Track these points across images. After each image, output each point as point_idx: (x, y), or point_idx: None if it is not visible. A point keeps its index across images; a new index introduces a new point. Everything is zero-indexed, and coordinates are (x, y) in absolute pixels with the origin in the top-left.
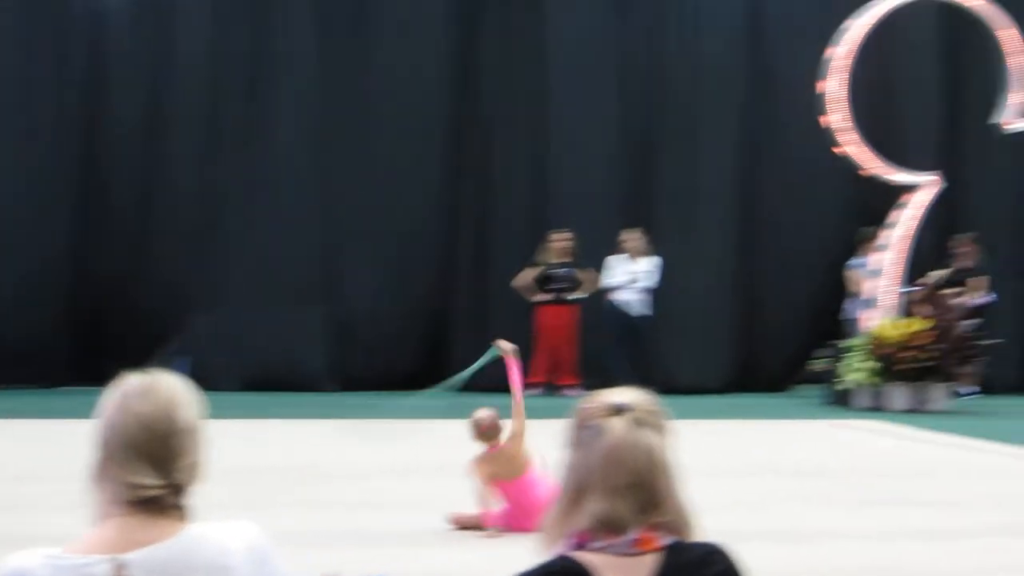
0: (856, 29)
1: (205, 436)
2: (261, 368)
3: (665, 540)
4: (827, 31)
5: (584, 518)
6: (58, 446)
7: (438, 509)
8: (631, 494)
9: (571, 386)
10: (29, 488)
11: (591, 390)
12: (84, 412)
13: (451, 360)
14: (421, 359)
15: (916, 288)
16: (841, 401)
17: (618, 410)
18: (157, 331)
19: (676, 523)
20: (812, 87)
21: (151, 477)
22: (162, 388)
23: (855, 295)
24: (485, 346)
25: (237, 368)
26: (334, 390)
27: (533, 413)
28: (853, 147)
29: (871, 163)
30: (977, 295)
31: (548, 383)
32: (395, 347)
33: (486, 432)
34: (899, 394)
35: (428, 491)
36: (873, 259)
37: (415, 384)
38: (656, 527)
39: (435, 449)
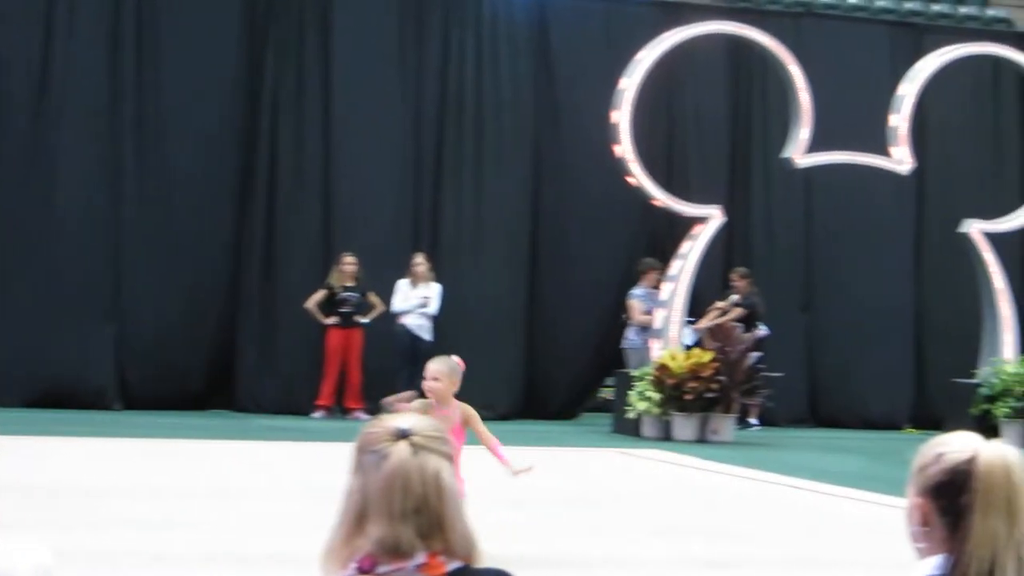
0: (646, 61)
1: None
2: (44, 385)
3: (451, 565)
4: (619, 63)
5: (367, 542)
6: None
7: (224, 531)
8: (414, 519)
9: (357, 409)
10: None
11: (377, 413)
12: None
13: (239, 381)
14: (209, 379)
15: (704, 319)
16: (629, 430)
17: (401, 435)
18: None
19: (462, 549)
20: (604, 118)
21: None
22: None
23: (635, 324)
24: (272, 365)
25: (18, 384)
26: (118, 409)
27: (321, 436)
28: (642, 178)
29: (658, 194)
30: (754, 328)
31: (335, 406)
32: (182, 367)
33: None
34: (685, 424)
35: (211, 511)
36: (660, 289)
37: (202, 404)
38: (441, 552)
39: (215, 468)
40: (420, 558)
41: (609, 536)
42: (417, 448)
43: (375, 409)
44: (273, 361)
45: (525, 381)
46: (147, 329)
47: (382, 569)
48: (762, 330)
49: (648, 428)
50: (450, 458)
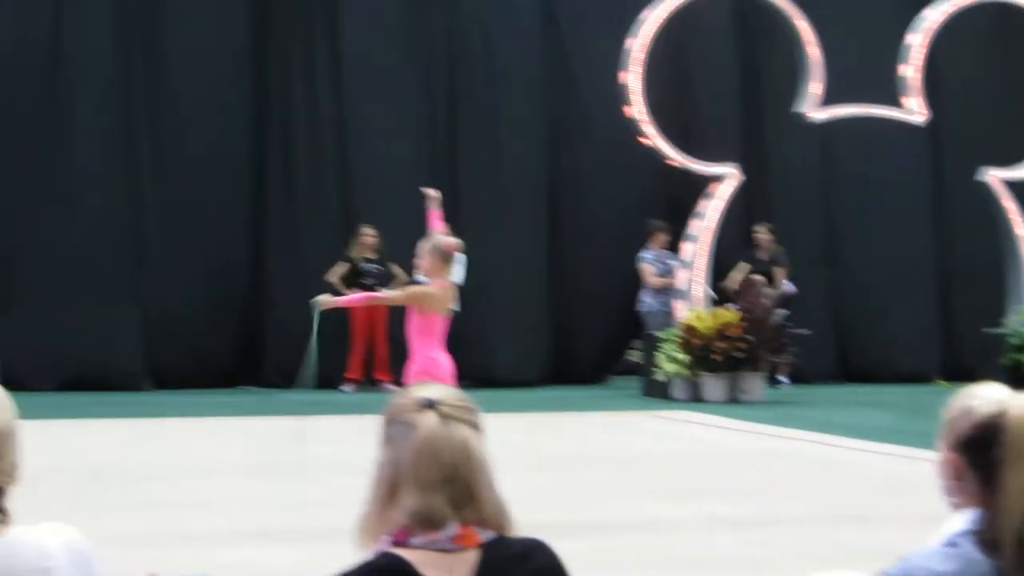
0: (652, 20)
1: (20, 438)
2: (74, 368)
3: (485, 535)
4: (626, 22)
5: (400, 514)
6: None
7: (258, 509)
8: (445, 489)
9: (387, 381)
10: None
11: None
12: None
13: (266, 356)
14: (236, 356)
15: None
16: (658, 392)
17: (429, 405)
18: None
19: (494, 518)
20: (613, 78)
21: None
22: None
23: (649, 287)
24: (299, 341)
25: (50, 368)
26: (148, 388)
27: (351, 409)
28: (655, 138)
29: (674, 154)
30: (780, 285)
31: (365, 379)
32: (209, 344)
33: (448, 256)
34: (714, 385)
35: (246, 491)
36: (669, 250)
37: (230, 381)
38: (474, 522)
39: (249, 447)
40: (453, 529)
41: (641, 499)
42: (445, 417)
43: (403, 380)
44: (299, 335)
45: (552, 347)
46: (173, 309)
47: (416, 541)
48: (788, 286)
49: (678, 390)
50: (478, 427)
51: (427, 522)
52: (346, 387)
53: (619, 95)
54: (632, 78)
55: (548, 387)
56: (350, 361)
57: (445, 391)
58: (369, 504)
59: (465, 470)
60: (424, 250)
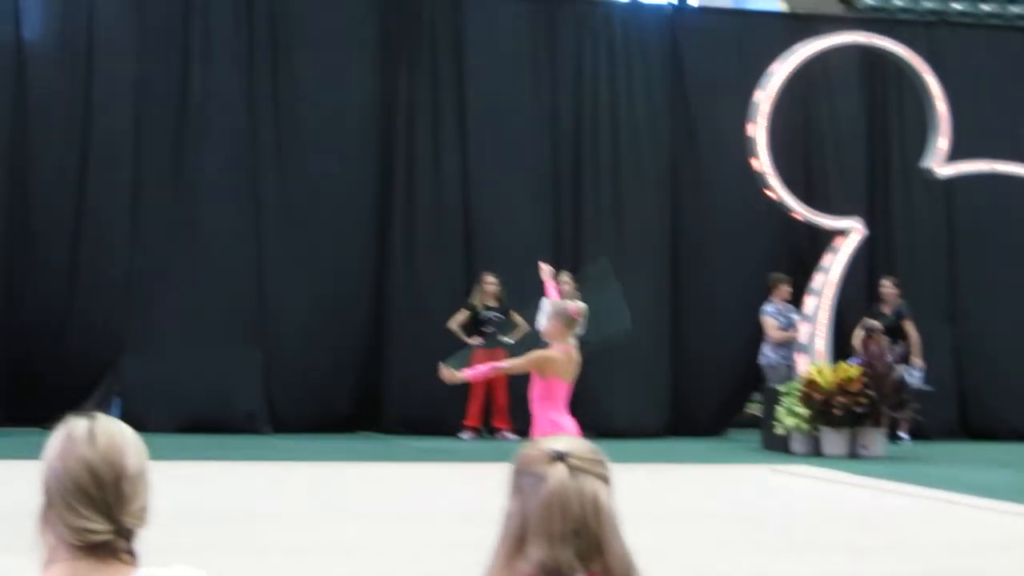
0: (781, 72)
1: (150, 480)
2: (194, 410)
3: None
4: (751, 76)
5: (527, 566)
6: None
7: (383, 554)
8: (574, 541)
9: (505, 429)
10: None
11: (524, 434)
12: (21, 453)
13: (384, 402)
14: (355, 401)
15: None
16: (778, 446)
17: (559, 457)
18: (88, 374)
19: (622, 570)
20: (740, 131)
21: (100, 523)
22: (108, 432)
23: (770, 340)
24: (419, 388)
25: (170, 410)
26: (268, 432)
27: (470, 457)
28: (780, 191)
29: (797, 207)
30: (909, 336)
31: (482, 427)
32: (329, 389)
33: (573, 320)
34: (835, 440)
35: (371, 536)
36: (791, 303)
37: (349, 426)
38: (600, 573)
39: (370, 492)
40: None
41: (761, 553)
42: (575, 470)
43: (523, 430)
44: (420, 382)
45: (672, 398)
46: (293, 352)
47: None
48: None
49: (797, 444)
50: (607, 479)
51: (554, 574)
52: (464, 435)
53: (744, 148)
54: (759, 131)
55: (667, 438)
56: (468, 409)
57: (575, 443)
58: (496, 554)
59: (594, 523)
60: (548, 314)
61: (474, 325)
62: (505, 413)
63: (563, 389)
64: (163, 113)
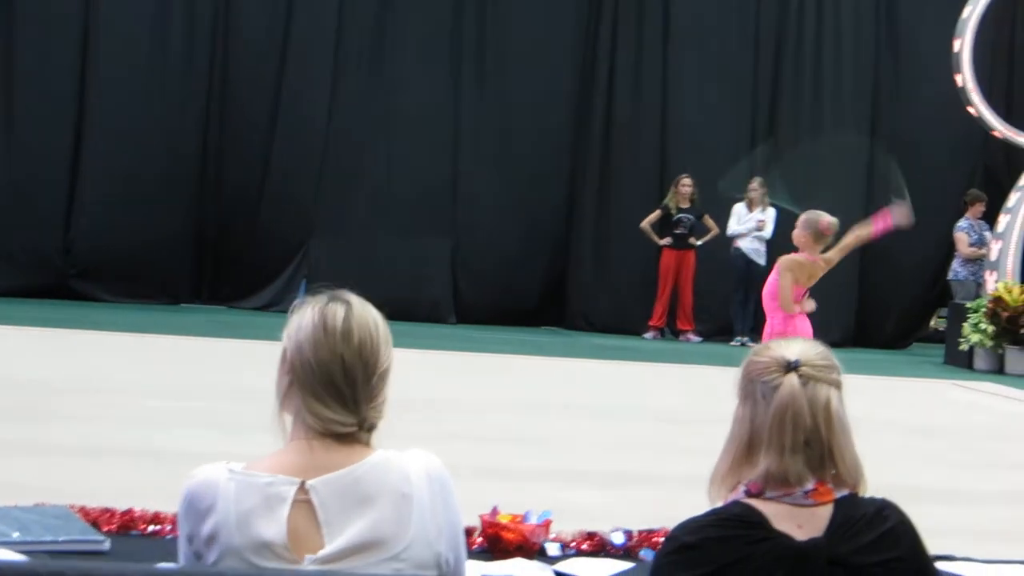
0: None
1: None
2: (379, 297)
3: (839, 493)
4: None
5: (754, 471)
6: (182, 364)
7: (588, 446)
8: (804, 451)
9: (688, 331)
10: (157, 403)
11: (706, 336)
12: (209, 331)
13: (571, 299)
14: (540, 296)
15: None
16: (961, 362)
17: (791, 366)
18: (278, 256)
19: (851, 477)
20: (944, 47)
21: (346, 416)
22: (365, 327)
23: (961, 256)
24: (605, 284)
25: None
26: (452, 322)
27: (653, 356)
28: (982, 109)
29: (997, 125)
30: None
31: (666, 327)
32: (515, 283)
33: (823, 235)
34: (1019, 357)
35: (568, 428)
36: (984, 220)
37: (535, 320)
38: (830, 480)
39: (555, 386)
40: (809, 484)
41: (946, 468)
42: (807, 379)
43: (706, 331)
44: (606, 280)
45: (857, 309)
46: (483, 245)
47: (771, 494)
48: None
49: (980, 360)
50: (839, 385)
51: (784, 482)
52: (648, 334)
53: (947, 63)
54: (964, 46)
55: (850, 349)
56: (654, 308)
57: (807, 348)
58: (723, 458)
59: (826, 432)
60: (800, 223)
61: (665, 225)
62: (690, 315)
63: (799, 292)
64: (366, 2)
